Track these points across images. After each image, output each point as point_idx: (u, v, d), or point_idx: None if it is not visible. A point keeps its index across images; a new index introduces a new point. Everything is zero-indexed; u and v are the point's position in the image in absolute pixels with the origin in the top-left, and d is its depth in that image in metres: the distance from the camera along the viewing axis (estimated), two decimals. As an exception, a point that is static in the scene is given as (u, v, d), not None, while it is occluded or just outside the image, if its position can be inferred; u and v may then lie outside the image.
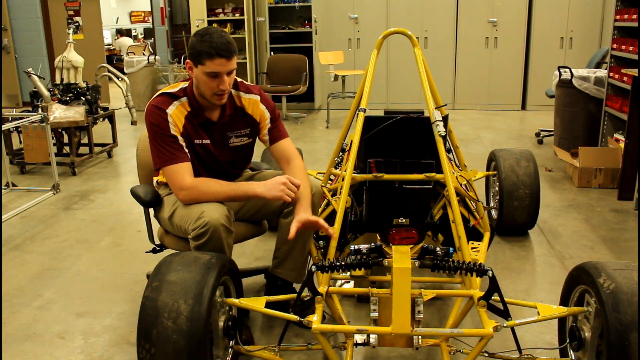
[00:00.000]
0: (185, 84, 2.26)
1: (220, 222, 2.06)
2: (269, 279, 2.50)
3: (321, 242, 2.56)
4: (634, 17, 4.48)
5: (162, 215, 2.36)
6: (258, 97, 2.35)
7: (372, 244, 2.01)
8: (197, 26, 7.92)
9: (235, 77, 2.26)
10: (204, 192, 2.13)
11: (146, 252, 2.65)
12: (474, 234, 2.70)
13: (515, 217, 3.34)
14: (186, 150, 2.20)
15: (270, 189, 2.12)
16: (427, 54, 6.39)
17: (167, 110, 2.19)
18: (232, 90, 2.29)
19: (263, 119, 2.36)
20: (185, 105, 2.22)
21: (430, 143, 2.41)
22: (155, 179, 2.47)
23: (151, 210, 2.48)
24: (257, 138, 2.43)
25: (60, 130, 5.27)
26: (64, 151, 5.40)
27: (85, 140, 5.36)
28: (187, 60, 2.17)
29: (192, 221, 2.09)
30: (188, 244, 2.22)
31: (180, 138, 2.19)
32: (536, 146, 5.85)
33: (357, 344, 1.98)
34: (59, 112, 4.96)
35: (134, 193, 2.41)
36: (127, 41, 13.54)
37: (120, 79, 5.92)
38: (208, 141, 2.28)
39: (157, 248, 2.56)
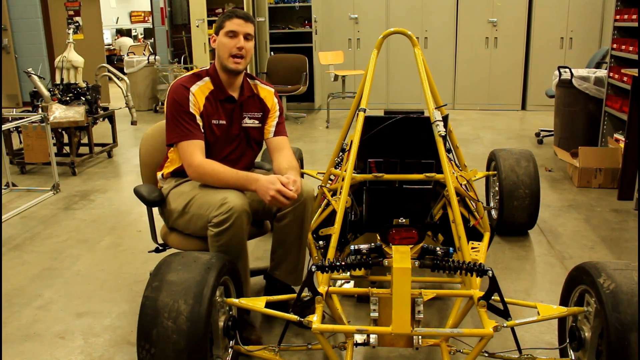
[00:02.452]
0: (206, 67, 2.45)
1: (244, 208, 2.13)
2: (268, 279, 2.50)
3: (321, 242, 2.57)
4: (634, 17, 4.48)
5: (169, 208, 2.37)
6: (272, 90, 2.58)
7: (372, 244, 2.01)
8: (197, 26, 7.92)
9: (252, 74, 2.50)
10: (208, 172, 2.25)
11: (149, 252, 2.65)
12: (474, 234, 2.70)
13: (515, 217, 3.34)
14: (202, 130, 2.33)
15: (264, 192, 2.16)
16: (427, 54, 6.39)
17: (191, 89, 2.33)
18: (249, 80, 2.50)
19: (274, 108, 2.54)
20: (208, 84, 2.38)
21: (430, 143, 2.41)
22: (159, 173, 2.50)
23: (151, 210, 2.47)
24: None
25: (60, 130, 5.27)
26: (64, 151, 5.40)
27: (85, 140, 5.36)
28: (212, 35, 2.40)
29: (214, 208, 2.13)
30: (193, 243, 2.25)
31: (198, 117, 2.32)
32: (536, 146, 5.85)
33: (357, 344, 1.98)
34: (59, 112, 4.96)
35: (137, 192, 2.41)
36: (127, 41, 13.54)
37: (120, 79, 5.92)
38: (224, 122, 2.40)
39: (160, 247, 2.55)
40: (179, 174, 2.42)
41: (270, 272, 2.45)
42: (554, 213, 3.89)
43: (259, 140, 2.54)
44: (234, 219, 2.10)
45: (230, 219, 2.09)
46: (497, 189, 3.43)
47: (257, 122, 2.49)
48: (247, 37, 2.34)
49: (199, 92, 2.35)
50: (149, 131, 2.64)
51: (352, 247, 1.99)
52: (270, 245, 2.44)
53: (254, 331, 2.28)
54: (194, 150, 2.27)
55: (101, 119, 5.56)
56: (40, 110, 5.08)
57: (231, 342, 2.05)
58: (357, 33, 8.16)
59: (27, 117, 4.57)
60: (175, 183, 2.40)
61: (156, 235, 2.55)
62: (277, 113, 2.54)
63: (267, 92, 2.54)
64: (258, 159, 2.70)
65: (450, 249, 1.95)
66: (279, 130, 2.54)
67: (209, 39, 2.43)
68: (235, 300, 1.98)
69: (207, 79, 2.39)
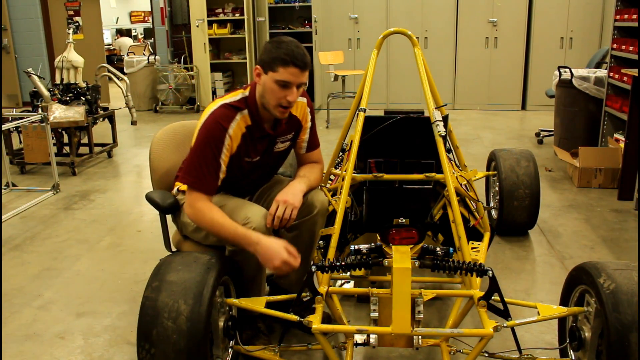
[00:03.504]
0: (245, 93, 2.14)
1: (266, 229, 2.04)
2: (272, 286, 2.46)
3: (321, 242, 2.56)
4: (634, 17, 4.47)
5: (185, 220, 2.23)
6: (305, 100, 2.32)
7: (372, 244, 2.01)
8: (197, 26, 7.93)
9: None
10: (206, 221, 2.03)
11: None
12: (474, 234, 2.70)
13: (515, 217, 3.33)
14: (219, 183, 2.10)
15: (267, 260, 1.95)
16: (427, 54, 6.39)
17: (229, 129, 2.07)
18: None
19: (306, 120, 2.33)
20: (246, 118, 2.12)
21: (430, 143, 2.41)
22: (177, 186, 2.33)
23: (165, 217, 2.36)
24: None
25: (60, 130, 5.27)
26: (64, 151, 5.40)
27: (85, 140, 5.36)
28: (256, 67, 2.08)
29: None
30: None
31: (223, 168, 2.09)
32: (536, 146, 5.85)
33: (357, 344, 1.98)
34: (59, 112, 4.96)
35: (150, 199, 2.30)
36: (127, 41, 13.55)
37: (120, 79, 5.92)
38: (257, 158, 2.21)
39: None
40: None
41: (276, 279, 2.41)
42: (554, 213, 3.89)
43: (288, 153, 2.39)
44: None
45: None
46: (497, 189, 3.42)
47: (288, 143, 2.31)
48: (299, 86, 2.06)
49: (237, 130, 2.09)
50: (159, 135, 2.49)
51: (352, 247, 2.00)
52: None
53: (265, 338, 2.23)
54: (199, 197, 2.05)
55: (101, 119, 5.56)
56: (40, 110, 5.08)
57: (231, 342, 2.05)
58: (357, 33, 8.16)
59: (27, 117, 4.57)
60: None
61: (170, 242, 2.43)
62: (309, 124, 2.33)
63: (301, 107, 2.28)
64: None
65: (450, 249, 1.95)
66: (312, 144, 2.36)
67: (253, 70, 2.10)
68: (235, 300, 1.98)
69: (245, 111, 2.11)
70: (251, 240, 1.96)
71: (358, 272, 2.30)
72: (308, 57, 2.06)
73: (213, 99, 8.18)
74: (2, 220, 3.86)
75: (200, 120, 2.11)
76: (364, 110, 2.47)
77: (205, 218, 2.03)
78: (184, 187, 2.29)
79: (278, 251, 1.94)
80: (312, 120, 2.36)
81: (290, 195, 2.10)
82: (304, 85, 2.08)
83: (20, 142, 4.96)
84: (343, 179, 2.43)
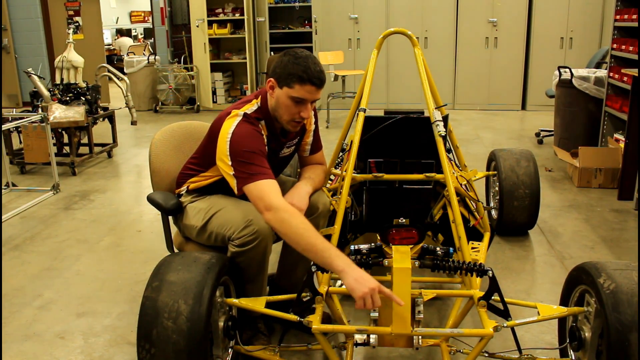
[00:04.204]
0: (257, 103, 2.12)
1: (271, 232, 2.03)
2: (272, 286, 2.46)
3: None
4: (634, 17, 4.48)
5: (188, 223, 2.23)
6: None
7: (372, 244, 2.01)
8: (197, 26, 7.92)
9: None
10: (292, 223, 1.85)
11: None
12: (474, 234, 2.70)
13: (515, 217, 3.33)
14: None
15: (355, 287, 1.72)
16: (427, 54, 6.39)
17: (262, 133, 2.08)
18: None
19: (310, 123, 2.33)
20: (264, 128, 2.12)
21: (430, 143, 2.41)
22: (187, 185, 2.30)
23: (167, 218, 2.35)
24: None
25: (60, 130, 5.27)
26: (64, 151, 5.40)
27: (85, 140, 5.36)
28: (269, 79, 2.05)
29: (237, 229, 2.02)
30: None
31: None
32: (536, 146, 5.85)
33: (357, 344, 1.98)
34: (59, 112, 4.96)
35: (152, 200, 2.27)
36: (127, 41, 13.54)
37: (120, 79, 5.92)
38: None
39: None
40: (205, 190, 2.25)
41: (277, 280, 2.42)
42: (554, 213, 3.89)
43: (292, 157, 2.39)
44: (258, 241, 2.01)
45: (255, 241, 2.01)
46: (497, 189, 3.42)
47: (292, 148, 2.31)
48: (313, 102, 2.07)
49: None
50: (158, 136, 2.46)
51: (352, 247, 2.00)
52: (274, 245, 2.42)
53: (265, 339, 2.23)
54: (272, 189, 1.92)
55: (101, 119, 5.56)
56: (40, 110, 5.08)
57: (231, 342, 2.05)
58: (357, 33, 8.16)
59: (27, 117, 4.57)
60: (191, 199, 2.26)
61: (172, 244, 2.41)
62: (313, 127, 2.34)
63: None
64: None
65: (450, 249, 1.95)
66: (315, 147, 2.37)
67: (266, 80, 2.07)
68: (235, 300, 1.98)
69: (263, 122, 2.11)
70: (345, 259, 1.79)
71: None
72: (324, 73, 2.04)
73: (213, 99, 8.21)
74: (2, 220, 3.86)
75: (225, 135, 2.02)
76: (364, 110, 2.47)
77: (291, 223, 1.85)
78: (194, 185, 2.29)
79: (369, 283, 1.72)
80: (316, 123, 2.37)
81: (297, 198, 2.10)
82: (316, 100, 2.07)
83: (20, 142, 4.96)
84: (343, 179, 2.43)
